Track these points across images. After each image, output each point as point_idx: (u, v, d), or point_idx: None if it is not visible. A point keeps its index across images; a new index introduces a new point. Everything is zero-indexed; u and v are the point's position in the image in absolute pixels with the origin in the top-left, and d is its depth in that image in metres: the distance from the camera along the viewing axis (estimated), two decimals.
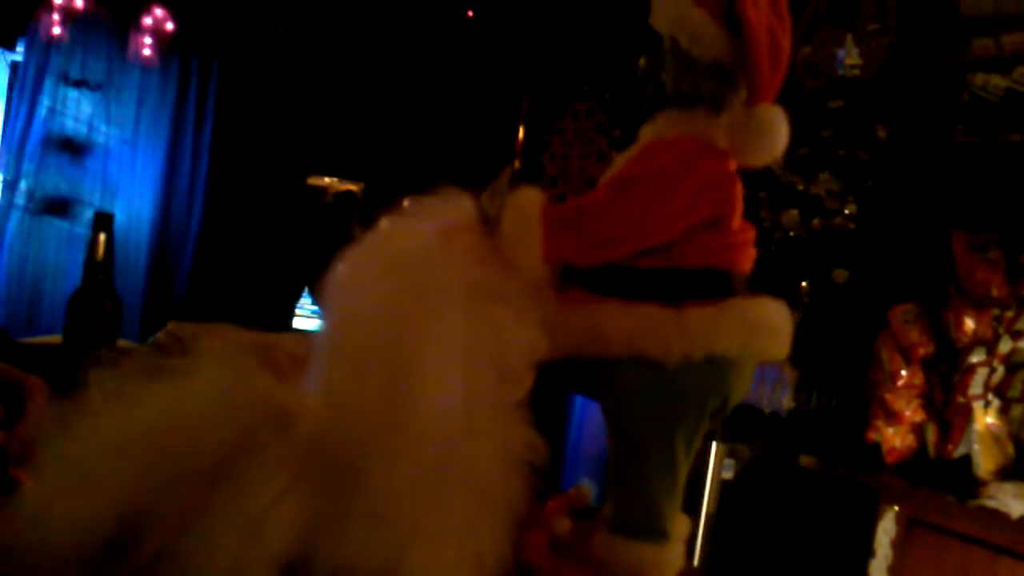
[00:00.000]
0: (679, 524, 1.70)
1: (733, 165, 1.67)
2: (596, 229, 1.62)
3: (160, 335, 2.59)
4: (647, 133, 1.78)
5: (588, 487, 1.93)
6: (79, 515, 1.34)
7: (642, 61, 1.81)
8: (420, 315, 1.49)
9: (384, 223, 1.62)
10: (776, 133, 1.66)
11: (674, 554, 1.64)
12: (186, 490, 1.40)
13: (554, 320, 1.64)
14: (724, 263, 1.68)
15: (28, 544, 1.27)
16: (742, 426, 3.19)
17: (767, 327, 1.68)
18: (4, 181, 4.33)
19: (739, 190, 1.69)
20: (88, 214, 4.46)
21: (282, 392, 1.55)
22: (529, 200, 1.67)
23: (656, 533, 1.61)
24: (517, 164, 4.95)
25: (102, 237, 3.63)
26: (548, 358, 1.58)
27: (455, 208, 1.66)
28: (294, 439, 1.46)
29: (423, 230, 1.61)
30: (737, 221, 1.69)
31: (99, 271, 3.71)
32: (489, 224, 1.65)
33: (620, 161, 1.78)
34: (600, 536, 1.65)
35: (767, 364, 2.94)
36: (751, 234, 1.75)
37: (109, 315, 3.62)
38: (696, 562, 3.03)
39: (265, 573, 1.34)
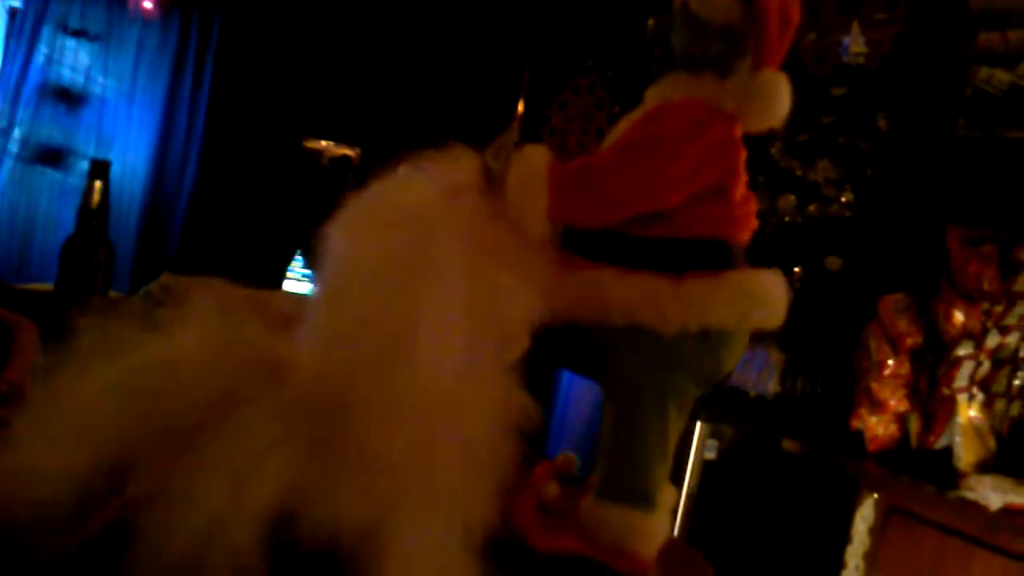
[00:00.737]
0: (666, 494, 1.72)
1: (739, 131, 1.67)
2: (602, 189, 1.62)
3: (153, 286, 2.58)
4: (653, 95, 1.78)
5: (575, 457, 1.95)
6: (65, 467, 1.33)
7: (651, 22, 1.80)
8: (420, 273, 1.48)
9: (387, 178, 1.61)
10: (779, 98, 1.66)
11: (660, 522, 1.66)
12: (173, 438, 1.39)
13: (554, 284, 1.64)
14: (724, 234, 1.68)
15: (14, 497, 1.27)
16: (727, 407, 3.21)
17: (764, 299, 1.68)
18: None
19: (743, 158, 1.69)
20: (82, 165, 4.42)
21: (274, 344, 1.55)
22: (536, 158, 1.67)
23: (644, 500, 1.62)
24: (516, 136, 4.93)
25: (97, 184, 3.62)
26: (546, 322, 1.58)
27: (460, 166, 1.66)
28: (285, 392, 1.46)
29: (426, 187, 1.61)
30: (740, 191, 1.70)
31: (93, 218, 3.70)
32: (493, 180, 1.65)
33: (624, 124, 1.77)
34: (587, 501, 1.66)
35: (755, 347, 2.96)
36: (752, 205, 1.75)
37: (102, 263, 3.61)
38: None
39: (248, 526, 1.34)
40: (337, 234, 1.57)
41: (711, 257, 1.66)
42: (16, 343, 1.75)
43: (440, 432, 1.44)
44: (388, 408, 1.42)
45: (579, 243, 1.72)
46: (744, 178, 1.72)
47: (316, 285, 1.62)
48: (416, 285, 1.48)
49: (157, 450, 1.38)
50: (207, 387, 1.43)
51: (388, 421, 1.42)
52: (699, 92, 1.67)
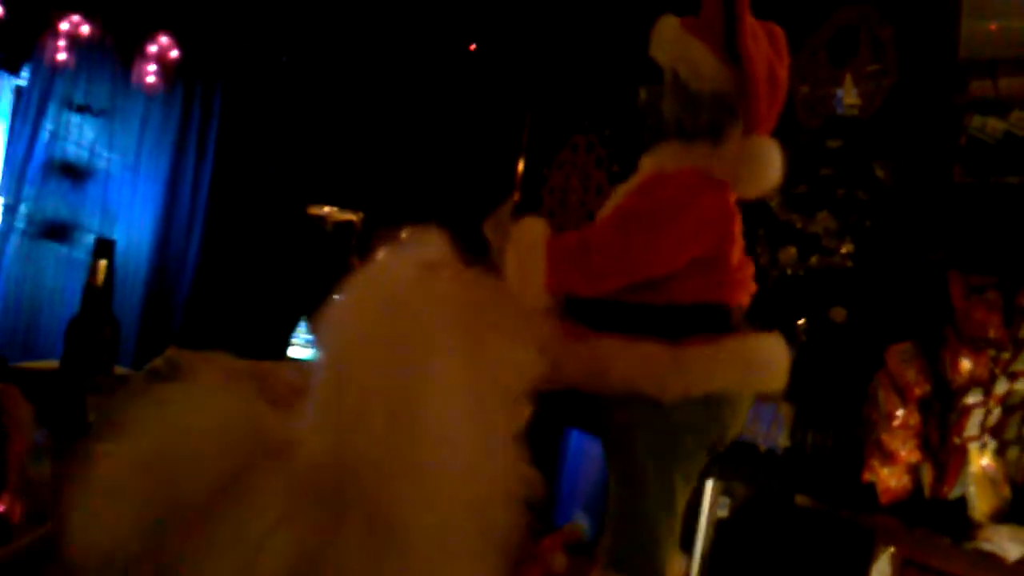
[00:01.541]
0: (675, 562, 1.70)
1: (733, 197, 1.69)
2: (599, 260, 1.64)
3: (158, 361, 2.58)
4: (647, 164, 1.80)
5: (583, 523, 1.93)
6: (107, 559, 1.34)
7: (643, 93, 1.84)
8: (420, 347, 1.50)
9: (369, 263, 1.64)
10: (769, 165, 1.69)
11: None
12: (182, 519, 1.40)
13: (555, 352, 1.65)
14: (722, 299, 1.69)
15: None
16: (738, 464, 3.18)
17: (764, 363, 1.69)
18: (4, 204, 4.33)
19: (739, 224, 1.71)
20: (87, 239, 4.46)
21: (279, 422, 1.55)
22: (533, 230, 1.69)
23: (651, 569, 1.61)
24: (516, 196, 4.97)
25: (103, 263, 3.66)
26: (548, 387, 1.59)
27: (430, 244, 1.68)
28: (291, 470, 1.46)
29: (402, 266, 1.63)
30: (736, 255, 1.71)
31: (98, 297, 3.73)
32: (493, 253, 1.67)
33: (621, 192, 1.80)
34: (596, 573, 1.65)
35: (763, 402, 2.94)
36: (750, 269, 1.76)
37: (107, 341, 3.62)
38: None
39: None
40: (335, 315, 1.59)
41: (710, 322, 1.67)
42: (7, 412, 1.75)
43: (447, 505, 1.44)
44: (395, 484, 1.43)
45: (579, 310, 1.73)
46: (741, 242, 1.73)
47: (319, 365, 1.64)
48: (418, 358, 1.49)
49: (167, 531, 1.38)
50: (213, 466, 1.44)
51: (395, 496, 1.42)
52: (692, 160, 1.69)
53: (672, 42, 1.74)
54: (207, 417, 1.55)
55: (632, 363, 1.63)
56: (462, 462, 1.48)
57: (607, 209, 1.79)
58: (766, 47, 1.67)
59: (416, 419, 1.46)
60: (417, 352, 1.50)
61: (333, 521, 1.43)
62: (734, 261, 1.70)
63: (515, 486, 1.49)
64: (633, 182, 1.79)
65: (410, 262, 1.65)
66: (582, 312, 1.74)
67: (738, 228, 1.71)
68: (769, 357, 1.70)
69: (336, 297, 1.61)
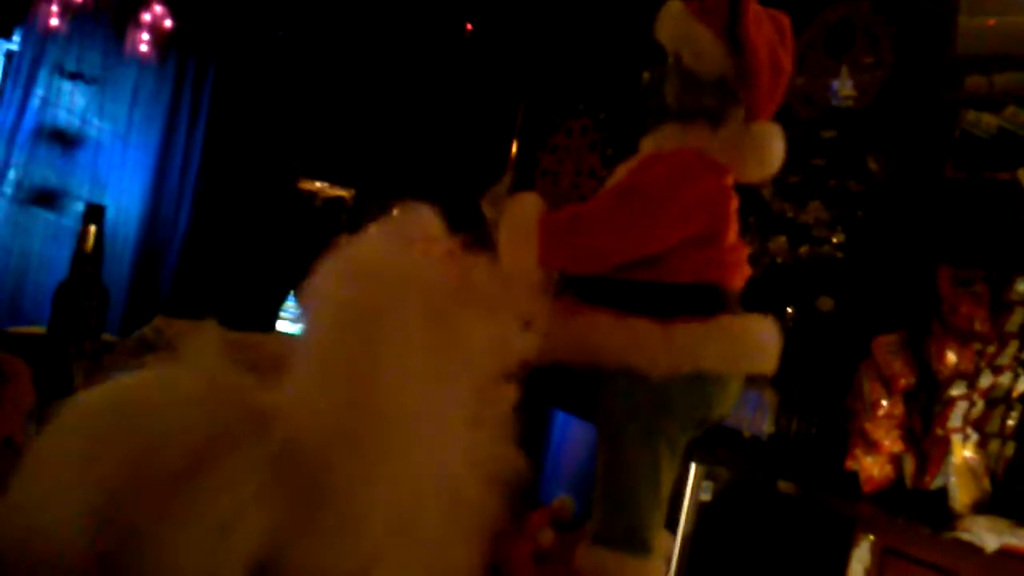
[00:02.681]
0: (662, 539, 1.71)
1: (730, 180, 1.70)
2: (591, 237, 1.64)
3: (146, 330, 2.57)
4: (647, 145, 1.81)
5: (571, 501, 1.94)
6: (61, 522, 1.33)
7: (646, 75, 1.83)
8: (382, 321, 1.49)
9: (358, 235, 1.64)
10: (771, 150, 1.70)
11: (656, 568, 1.65)
12: (158, 482, 1.39)
13: (548, 327, 1.65)
14: (715, 279, 1.70)
15: (17, 551, 1.27)
16: (722, 449, 3.20)
17: (755, 344, 1.70)
18: None
19: (734, 206, 1.71)
20: (76, 207, 4.43)
21: (259, 391, 1.55)
22: (528, 206, 1.69)
23: (640, 545, 1.61)
24: (509, 179, 4.96)
25: (92, 229, 3.64)
26: (537, 364, 1.59)
27: (420, 220, 1.68)
28: (267, 442, 1.46)
29: (384, 240, 1.63)
30: (731, 237, 1.72)
31: (87, 263, 3.71)
32: (489, 228, 1.67)
33: (621, 171, 1.80)
34: (583, 547, 1.66)
35: (750, 387, 2.95)
36: (744, 252, 1.77)
37: (95, 307, 3.60)
38: None
39: (233, 574, 1.33)
40: (315, 285, 1.59)
41: (702, 302, 1.67)
42: (9, 388, 1.74)
43: (420, 480, 1.44)
44: (360, 454, 1.42)
45: (573, 286, 1.73)
46: (736, 224, 1.73)
47: (300, 337, 1.64)
48: (377, 331, 1.49)
49: (142, 493, 1.38)
50: (192, 432, 1.43)
51: (361, 468, 1.42)
52: (692, 142, 1.70)
53: (676, 26, 1.74)
54: (186, 384, 1.54)
55: (622, 338, 1.63)
56: (427, 439, 1.48)
57: (606, 188, 1.79)
58: (770, 33, 1.68)
59: (375, 394, 1.46)
60: (383, 326, 1.50)
61: (308, 497, 1.43)
62: (729, 242, 1.71)
63: (495, 465, 1.49)
64: (632, 162, 1.79)
65: (395, 236, 1.65)
66: (574, 287, 1.74)
67: (734, 210, 1.72)
68: (760, 339, 1.71)
69: (320, 267, 1.61)
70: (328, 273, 1.62)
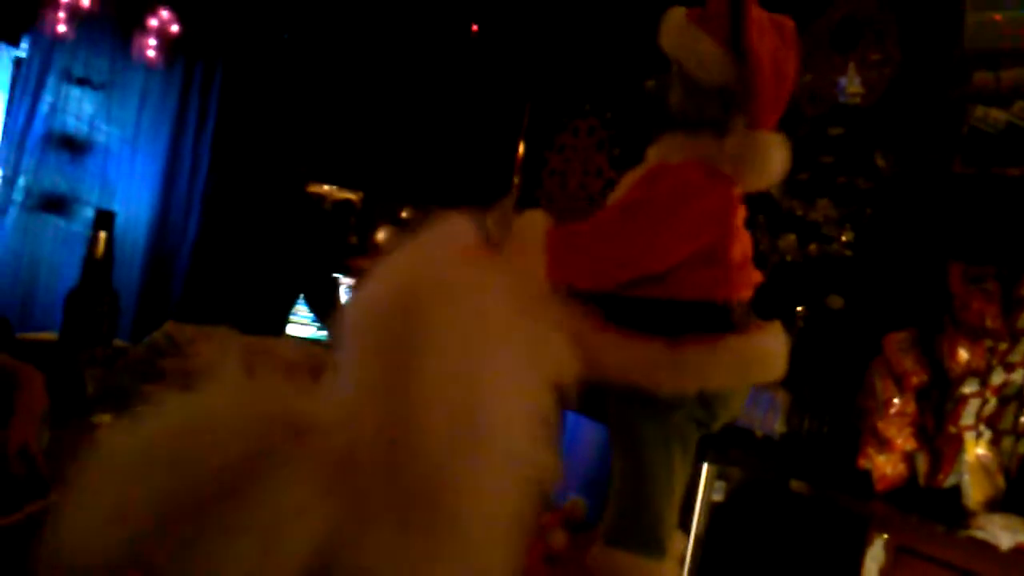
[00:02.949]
0: (676, 540, 1.71)
1: (736, 191, 1.69)
2: (599, 252, 1.63)
3: (157, 335, 2.58)
4: (653, 155, 1.80)
5: (583, 502, 1.94)
6: (109, 535, 1.34)
7: (649, 83, 1.83)
8: (428, 327, 1.49)
9: (402, 244, 1.62)
10: (772, 160, 1.69)
11: (670, 570, 1.65)
12: (202, 501, 1.39)
13: (577, 339, 1.65)
14: (723, 295, 1.69)
15: (65, 565, 1.28)
16: (734, 449, 3.19)
17: (763, 360, 1.69)
18: (3, 177, 4.31)
19: (740, 218, 1.71)
20: (86, 213, 4.45)
21: (297, 401, 1.55)
22: (534, 222, 1.69)
23: (653, 547, 1.61)
24: (516, 180, 4.96)
25: (103, 235, 3.65)
26: (577, 376, 1.59)
27: (460, 229, 1.67)
28: (311, 453, 1.46)
29: (428, 247, 1.62)
30: (737, 251, 1.71)
31: (98, 269, 3.72)
32: (494, 246, 1.67)
33: (627, 182, 1.79)
34: (596, 548, 1.66)
35: (761, 387, 2.95)
36: (750, 263, 1.76)
37: (107, 313, 3.60)
38: None
39: None
40: (370, 295, 1.58)
41: (709, 321, 1.67)
42: (22, 394, 1.75)
43: (498, 492, 1.44)
44: (454, 472, 1.42)
45: (579, 303, 1.73)
46: (744, 237, 1.73)
47: (343, 346, 1.62)
48: (478, 348, 1.48)
49: (184, 517, 1.38)
50: (233, 449, 1.44)
51: (453, 484, 1.42)
52: (696, 152, 1.69)
53: (678, 34, 1.74)
54: (224, 399, 1.54)
55: (629, 360, 1.63)
56: (515, 451, 1.48)
57: (612, 200, 1.79)
58: (773, 41, 1.67)
59: (478, 409, 1.45)
60: (478, 339, 1.50)
61: (354, 509, 1.42)
62: (736, 256, 1.71)
63: (538, 474, 1.49)
64: (638, 172, 1.79)
65: (437, 243, 1.64)
66: (581, 304, 1.74)
67: (740, 222, 1.71)
68: (767, 355, 1.70)
69: (369, 277, 1.60)
70: (389, 281, 1.62)
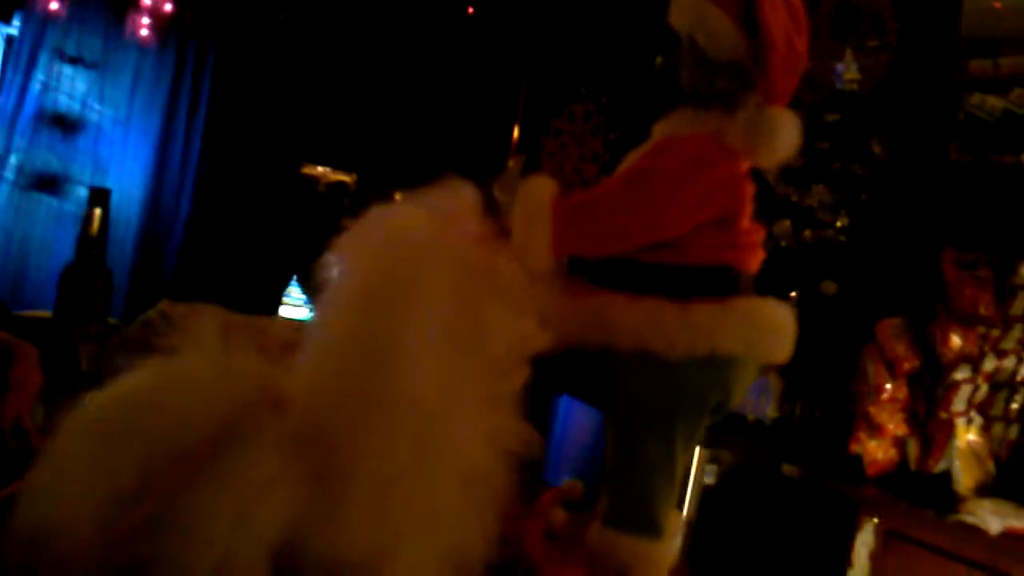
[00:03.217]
0: (673, 520, 1.71)
1: (745, 165, 1.69)
2: (605, 221, 1.63)
3: (151, 313, 2.58)
4: (661, 130, 1.80)
5: (581, 483, 1.94)
6: (78, 513, 1.33)
7: (659, 59, 1.82)
8: (405, 298, 1.49)
9: (384, 206, 1.62)
10: (786, 135, 1.69)
11: (667, 550, 1.65)
12: (174, 464, 1.39)
13: (560, 310, 1.65)
14: (731, 261, 1.69)
15: (34, 544, 1.27)
16: (726, 433, 3.20)
17: (771, 327, 1.70)
18: None
19: (749, 190, 1.71)
20: (78, 192, 4.43)
21: (271, 373, 1.55)
22: (541, 190, 1.68)
23: (651, 528, 1.62)
24: (511, 164, 4.95)
25: (97, 212, 3.64)
26: (551, 348, 1.59)
27: (456, 196, 1.67)
28: (285, 423, 1.46)
29: (419, 214, 1.62)
30: (746, 221, 1.71)
31: (92, 246, 3.71)
32: (499, 212, 1.66)
33: (633, 156, 1.79)
34: (595, 529, 1.66)
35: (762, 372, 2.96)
36: (759, 235, 1.76)
37: (101, 291, 3.60)
38: None
39: (253, 558, 1.33)
40: (333, 261, 1.58)
41: (718, 284, 1.67)
42: (17, 370, 1.74)
43: (435, 459, 1.44)
44: (374, 433, 1.42)
45: (586, 268, 1.73)
46: (751, 208, 1.73)
47: (314, 312, 1.63)
48: (398, 309, 1.48)
49: (160, 482, 1.37)
50: (208, 415, 1.43)
51: (377, 447, 1.41)
52: (706, 127, 1.69)
53: (690, 9, 1.73)
54: (199, 367, 1.54)
55: (638, 317, 1.63)
56: (445, 417, 1.47)
57: (619, 173, 1.79)
58: (785, 17, 1.67)
59: (395, 370, 1.45)
60: (407, 301, 1.49)
61: (325, 476, 1.42)
62: (744, 225, 1.70)
63: (507, 442, 1.49)
64: (645, 147, 1.79)
65: (425, 211, 1.63)
66: (588, 270, 1.74)
67: (748, 197, 1.71)
68: (776, 323, 1.70)
69: (341, 240, 1.60)
70: (353, 243, 1.61)
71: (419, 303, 1.50)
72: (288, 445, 1.43)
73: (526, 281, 1.64)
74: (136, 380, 1.49)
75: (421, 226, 1.60)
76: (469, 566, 1.43)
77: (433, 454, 1.46)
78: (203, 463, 1.39)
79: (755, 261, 1.75)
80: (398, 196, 1.81)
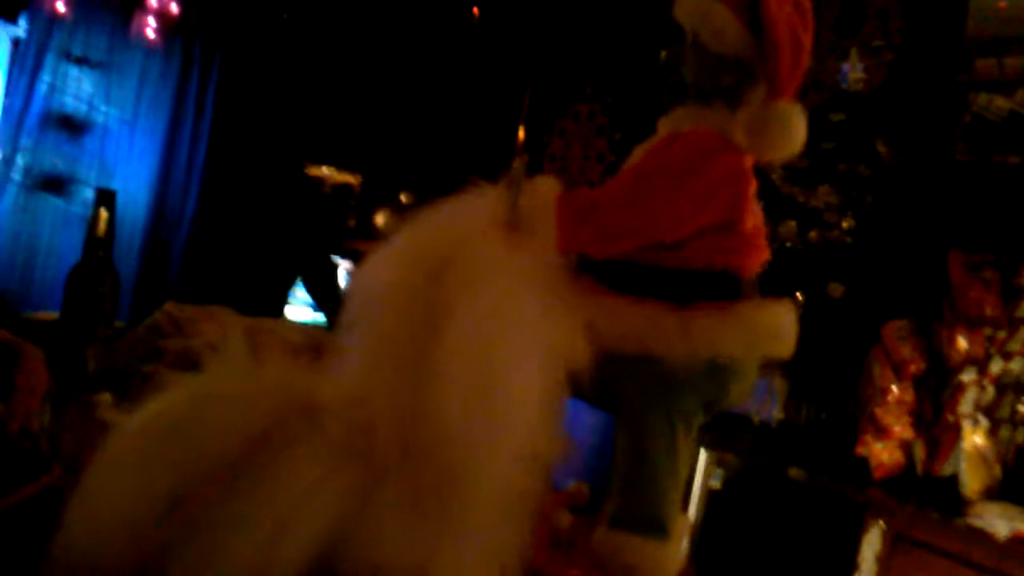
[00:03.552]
0: (680, 523, 1.71)
1: (749, 161, 1.69)
2: (610, 219, 1.63)
3: (158, 315, 2.57)
4: (665, 125, 1.80)
5: (586, 486, 1.94)
6: (124, 520, 1.34)
7: (663, 54, 1.82)
8: (443, 306, 1.48)
9: (415, 219, 1.61)
10: (795, 129, 1.69)
11: (674, 552, 1.65)
12: (214, 487, 1.39)
13: (585, 317, 1.64)
14: (733, 265, 1.69)
15: (81, 553, 1.28)
16: (731, 435, 3.19)
17: (773, 332, 1.69)
18: (1, 157, 4.29)
19: (753, 188, 1.70)
20: (84, 193, 4.44)
21: (306, 382, 1.55)
22: (546, 189, 1.68)
23: (658, 529, 1.61)
24: (516, 164, 4.94)
25: (104, 214, 3.64)
26: (587, 359, 1.59)
27: (487, 202, 1.66)
28: (324, 432, 1.45)
29: (447, 223, 1.61)
30: (749, 221, 1.71)
31: (99, 247, 3.72)
32: (506, 213, 1.66)
33: (639, 152, 1.79)
34: (600, 531, 1.66)
35: (763, 372, 2.96)
36: (762, 236, 1.76)
37: (108, 292, 3.60)
38: None
39: (293, 569, 1.33)
40: (368, 272, 1.57)
41: (720, 288, 1.67)
42: (24, 372, 1.75)
43: (476, 471, 1.44)
44: (416, 445, 1.42)
45: (591, 269, 1.73)
46: (754, 208, 1.72)
47: (347, 324, 1.61)
48: (443, 321, 1.48)
49: (200, 495, 1.38)
50: (243, 431, 1.43)
51: (464, 464, 1.41)
52: (710, 123, 1.69)
53: (695, 4, 1.73)
54: (234, 378, 1.54)
55: (640, 323, 1.63)
56: (527, 430, 1.48)
57: (625, 170, 1.78)
58: (790, 13, 1.66)
59: (434, 383, 1.45)
60: (446, 311, 1.49)
61: (365, 486, 1.42)
62: (747, 226, 1.70)
63: (544, 451, 1.49)
64: (650, 142, 1.78)
65: (459, 218, 1.63)
66: (592, 271, 1.73)
67: (752, 192, 1.71)
68: (777, 325, 1.70)
69: (380, 253, 1.59)
70: (389, 254, 1.61)
71: (460, 313, 1.50)
72: (328, 454, 1.43)
73: (564, 287, 1.64)
74: (173, 397, 1.49)
75: (452, 237, 1.60)
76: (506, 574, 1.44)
77: (473, 464, 1.46)
78: (241, 473, 1.39)
79: (758, 263, 1.75)
80: (405, 197, 1.80)
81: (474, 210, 1.66)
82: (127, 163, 4.70)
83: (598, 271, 1.72)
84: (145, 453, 1.42)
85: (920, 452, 2.87)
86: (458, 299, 1.50)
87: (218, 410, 1.46)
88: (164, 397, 1.48)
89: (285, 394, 1.51)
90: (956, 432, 2.77)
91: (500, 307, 1.52)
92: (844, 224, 3.43)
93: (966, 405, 2.80)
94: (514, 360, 1.49)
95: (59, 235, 4.43)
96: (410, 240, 1.63)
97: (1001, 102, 3.07)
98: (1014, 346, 2.80)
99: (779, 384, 3.27)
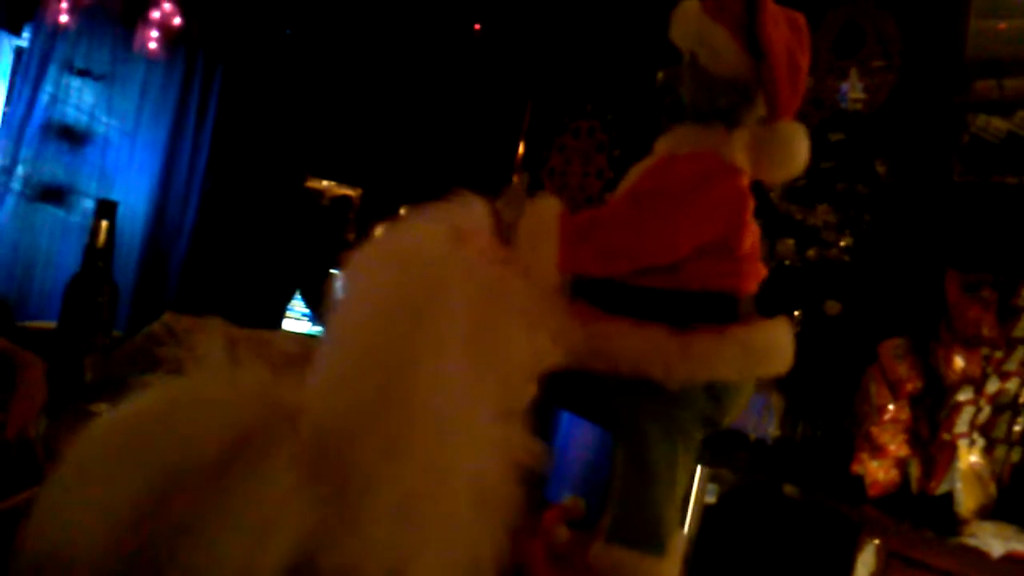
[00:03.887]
0: (677, 538, 1.71)
1: (746, 182, 1.70)
2: (611, 240, 1.64)
3: (155, 326, 2.58)
4: (662, 146, 1.81)
5: (582, 501, 1.94)
6: (92, 524, 1.33)
7: (660, 75, 1.83)
8: (423, 314, 1.49)
9: (397, 222, 1.63)
10: (798, 149, 1.70)
11: (671, 568, 1.65)
12: (188, 493, 1.38)
13: (564, 332, 1.65)
14: (730, 288, 1.70)
15: (47, 556, 1.27)
16: (727, 452, 3.19)
17: (769, 352, 1.70)
18: (2, 166, 4.30)
19: (751, 209, 1.71)
20: (84, 203, 4.45)
21: (285, 389, 1.55)
22: (547, 208, 1.69)
23: (655, 544, 1.61)
24: (516, 179, 4.96)
25: (104, 224, 3.65)
26: (556, 367, 1.59)
27: (470, 212, 1.67)
28: (300, 438, 1.45)
29: (436, 230, 1.62)
30: (748, 241, 1.72)
31: (99, 258, 3.72)
32: (505, 230, 1.67)
33: (635, 173, 1.80)
34: (598, 546, 1.66)
35: (756, 391, 2.96)
36: (759, 256, 1.77)
37: (107, 302, 3.60)
38: None
39: (272, 574, 1.33)
40: (346, 276, 1.58)
41: (717, 311, 1.68)
42: (22, 380, 1.74)
43: (450, 473, 1.44)
44: (393, 448, 1.42)
45: (589, 292, 1.74)
46: (753, 229, 1.73)
47: (326, 327, 1.63)
48: (419, 325, 1.48)
49: (174, 500, 1.37)
50: (219, 432, 1.43)
51: (395, 462, 1.41)
52: (707, 144, 1.70)
53: (692, 25, 1.74)
54: (211, 384, 1.54)
55: (638, 346, 1.63)
56: (458, 434, 1.47)
57: (621, 190, 1.79)
58: (787, 34, 1.68)
59: (409, 387, 1.45)
60: (422, 319, 1.49)
61: (341, 493, 1.42)
62: (745, 247, 1.71)
63: (516, 456, 1.49)
64: (647, 163, 1.80)
65: (438, 227, 1.63)
66: (590, 293, 1.74)
67: (750, 213, 1.72)
68: (774, 345, 1.71)
69: (355, 255, 1.60)
70: (368, 259, 1.61)
71: (435, 319, 1.50)
72: (304, 461, 1.42)
73: (538, 297, 1.64)
74: (146, 398, 1.49)
75: (435, 242, 1.60)
76: None
77: (448, 469, 1.46)
78: (216, 479, 1.38)
79: (755, 283, 1.76)
80: (405, 211, 1.81)
81: (462, 218, 1.67)
82: (127, 174, 4.71)
83: (595, 294, 1.73)
84: (115, 455, 1.41)
85: (915, 471, 2.87)
86: (435, 309, 1.50)
87: (195, 413, 1.46)
88: (140, 398, 1.48)
89: (260, 399, 1.50)
90: (952, 451, 2.77)
91: (470, 315, 1.52)
92: (842, 243, 3.45)
93: (962, 424, 2.81)
94: (483, 365, 1.50)
95: (58, 245, 4.44)
96: (392, 244, 1.64)
97: (999, 123, 3.09)
98: (1010, 366, 2.80)
99: (775, 401, 3.27)
